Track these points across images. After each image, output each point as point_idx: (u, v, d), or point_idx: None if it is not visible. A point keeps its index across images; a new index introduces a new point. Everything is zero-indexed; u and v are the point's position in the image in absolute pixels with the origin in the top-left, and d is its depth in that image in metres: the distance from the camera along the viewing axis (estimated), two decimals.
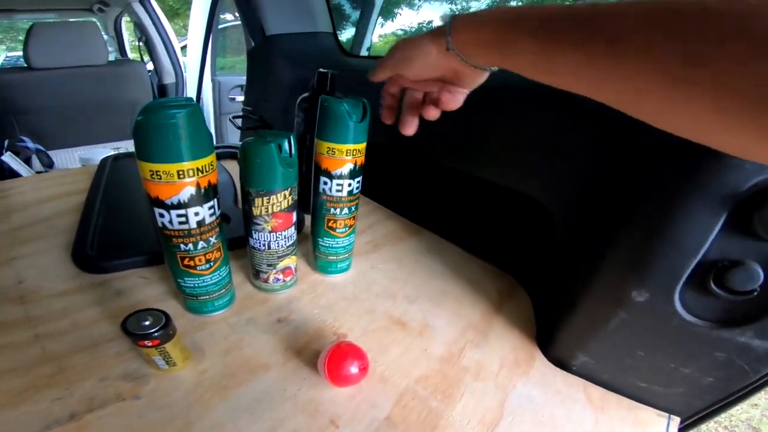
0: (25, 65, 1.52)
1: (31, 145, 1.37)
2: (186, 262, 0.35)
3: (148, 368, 0.34)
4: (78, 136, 1.62)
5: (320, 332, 0.41)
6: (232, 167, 0.76)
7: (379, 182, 0.67)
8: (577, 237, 0.43)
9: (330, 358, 0.33)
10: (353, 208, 0.44)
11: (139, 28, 1.90)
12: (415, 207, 0.67)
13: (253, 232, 0.39)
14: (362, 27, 2.21)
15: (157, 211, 0.31)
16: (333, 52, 0.95)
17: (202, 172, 0.31)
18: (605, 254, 0.36)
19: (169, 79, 1.99)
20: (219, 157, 0.81)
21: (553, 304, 0.45)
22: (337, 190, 0.42)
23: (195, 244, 0.34)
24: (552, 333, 0.42)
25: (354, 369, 0.33)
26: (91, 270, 0.45)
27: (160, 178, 0.29)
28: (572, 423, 0.36)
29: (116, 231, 0.51)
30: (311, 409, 0.33)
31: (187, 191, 0.30)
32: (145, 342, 0.30)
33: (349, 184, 0.42)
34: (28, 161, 1.36)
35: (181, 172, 0.29)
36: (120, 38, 2.54)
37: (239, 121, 0.94)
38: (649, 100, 0.22)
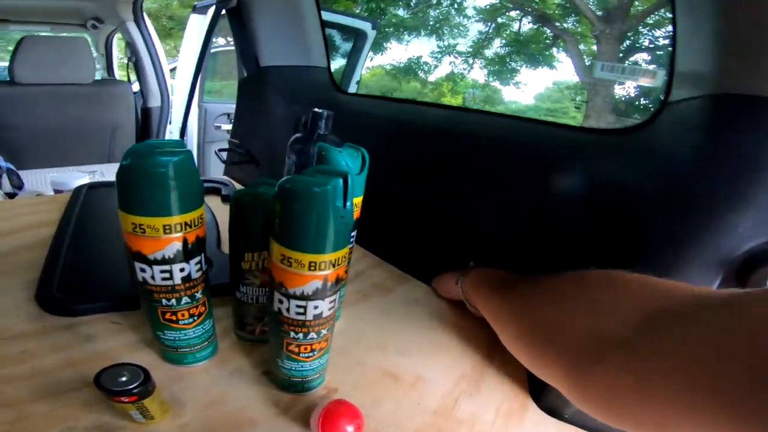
0: (8, 79, 1.47)
1: (2, 163, 1.31)
2: (168, 316, 0.32)
3: (121, 420, 0.31)
4: (53, 156, 1.55)
5: None
6: (215, 204, 0.74)
7: (368, 228, 0.66)
8: None
9: (324, 417, 0.31)
10: (347, 262, 0.42)
11: (131, 47, 1.88)
12: (402, 255, 0.66)
13: (240, 285, 0.37)
14: (353, 60, 2.27)
15: (139, 265, 0.29)
16: (326, 88, 0.95)
17: (190, 227, 0.28)
18: None
19: (155, 102, 1.96)
20: None
21: None
22: None
23: (179, 300, 0.31)
24: (542, 381, 0.41)
25: (350, 429, 0.31)
26: (56, 312, 0.41)
27: (144, 233, 0.27)
28: None
29: (87, 270, 0.47)
30: None
31: (173, 247, 0.28)
32: (122, 398, 0.27)
33: None
34: None
35: (167, 227, 0.27)
36: (109, 56, 2.52)
37: (225, 155, 0.92)
38: None
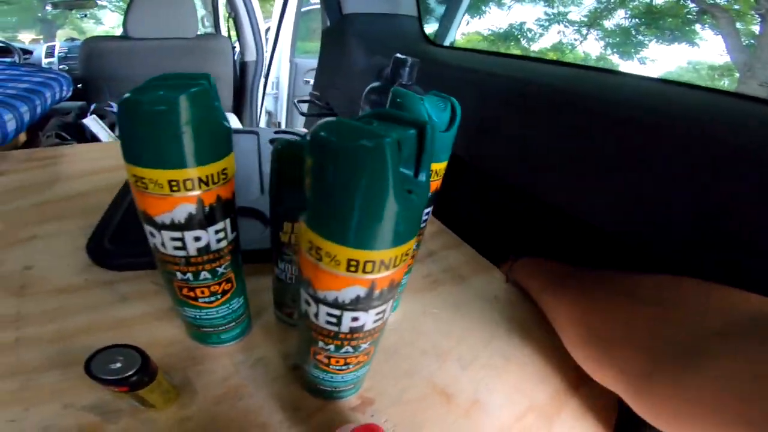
0: (122, 34, 1.60)
1: (116, 110, 1.44)
2: (185, 292, 0.26)
3: (122, 403, 0.27)
4: None
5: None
6: None
7: (449, 199, 0.55)
8: None
9: None
10: (415, 246, 0.33)
11: (230, 3, 1.93)
12: (489, 238, 0.54)
13: (279, 260, 0.30)
14: (447, 20, 2.06)
15: (147, 228, 0.23)
16: (415, 39, 0.84)
17: (207, 184, 0.21)
18: None
19: (251, 56, 2.01)
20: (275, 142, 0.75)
21: None
22: None
23: (195, 274, 0.25)
24: (639, 427, 0.30)
25: None
26: (103, 264, 0.39)
27: (147, 189, 0.20)
28: None
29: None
30: None
31: (184, 209, 0.21)
32: (112, 387, 0.22)
33: None
34: (113, 126, 1.42)
35: (174, 184, 0.20)
36: (216, 13, 2.65)
37: (304, 107, 0.87)
38: None
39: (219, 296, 0.27)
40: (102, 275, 0.38)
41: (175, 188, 0.20)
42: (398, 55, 0.47)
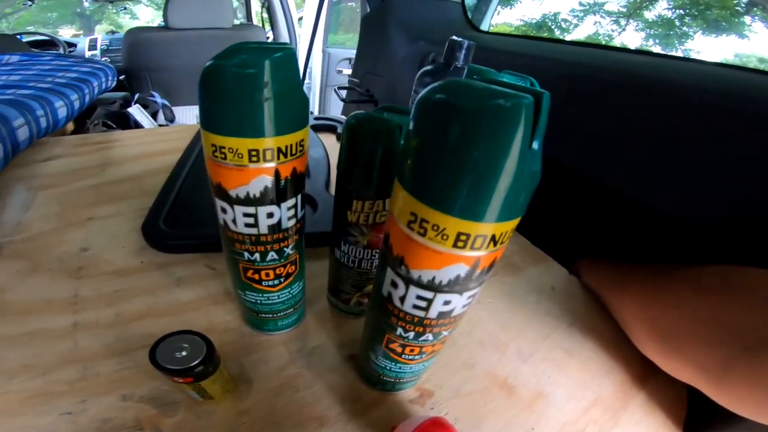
0: (163, 25, 1.64)
1: (159, 99, 1.48)
2: (249, 274, 0.25)
3: (179, 394, 0.27)
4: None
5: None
6: (330, 141, 0.67)
7: None
8: None
9: None
10: None
11: None
12: (543, 228, 0.51)
13: (342, 242, 0.28)
14: (481, 9, 2.01)
15: (220, 203, 0.22)
16: (459, 25, 0.81)
17: (285, 156, 0.20)
18: None
19: None
20: (316, 129, 0.74)
21: None
22: None
23: (263, 255, 0.24)
24: (711, 422, 0.30)
25: None
26: (158, 246, 0.39)
27: (225, 158, 0.19)
28: None
29: (196, 203, 0.45)
30: None
31: (261, 182, 0.20)
32: (177, 378, 0.21)
33: None
34: (155, 114, 1.46)
35: (254, 153, 0.19)
36: (248, 5, 2.68)
37: (344, 93, 0.86)
38: None
39: (283, 279, 0.26)
40: (157, 257, 0.38)
41: (254, 158, 0.19)
42: (454, 37, 0.45)
